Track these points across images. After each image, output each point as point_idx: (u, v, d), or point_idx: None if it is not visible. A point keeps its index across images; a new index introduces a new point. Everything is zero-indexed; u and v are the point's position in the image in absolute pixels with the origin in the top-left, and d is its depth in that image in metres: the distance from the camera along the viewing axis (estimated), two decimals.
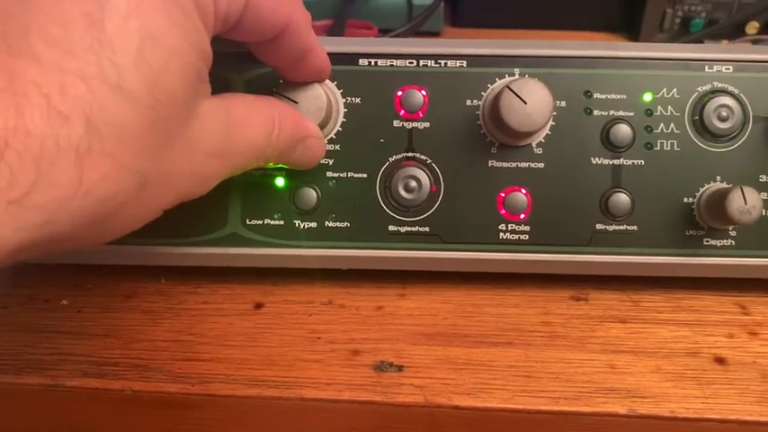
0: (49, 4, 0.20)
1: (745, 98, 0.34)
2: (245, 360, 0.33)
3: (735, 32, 0.57)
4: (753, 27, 0.57)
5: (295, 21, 0.28)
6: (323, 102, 0.32)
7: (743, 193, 0.31)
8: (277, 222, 0.35)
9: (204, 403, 0.32)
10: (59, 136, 0.19)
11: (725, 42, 0.57)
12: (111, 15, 0.21)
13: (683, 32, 0.58)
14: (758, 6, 0.56)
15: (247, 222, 0.35)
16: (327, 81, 0.34)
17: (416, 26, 0.55)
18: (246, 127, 0.28)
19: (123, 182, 0.22)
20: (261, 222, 0.35)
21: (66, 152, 0.20)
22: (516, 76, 0.34)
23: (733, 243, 0.34)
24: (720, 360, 0.33)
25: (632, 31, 0.61)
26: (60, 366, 0.33)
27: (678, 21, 0.58)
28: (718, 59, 0.34)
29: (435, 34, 0.62)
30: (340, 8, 0.58)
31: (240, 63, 0.34)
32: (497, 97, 0.32)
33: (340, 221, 0.35)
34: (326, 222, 0.35)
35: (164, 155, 0.23)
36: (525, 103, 0.31)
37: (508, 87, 0.32)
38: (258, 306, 0.36)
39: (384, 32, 0.57)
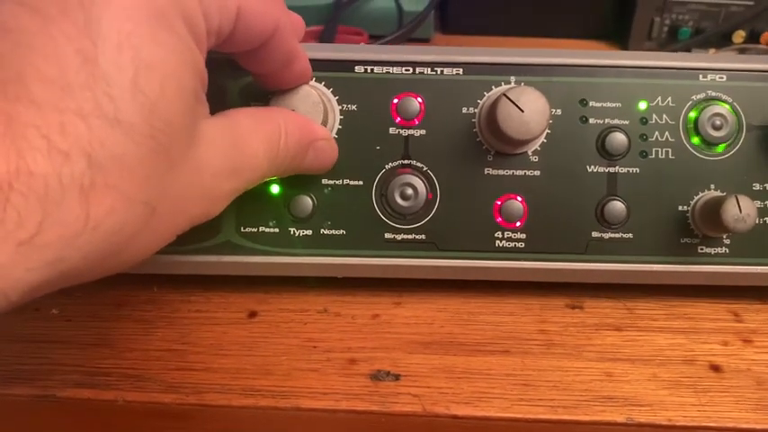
0: (42, 44, 0.20)
1: (738, 107, 0.34)
2: (240, 369, 0.33)
3: (721, 41, 0.58)
4: (739, 36, 0.57)
5: (282, 25, 0.28)
6: (315, 97, 0.32)
7: (738, 202, 0.31)
8: (272, 230, 0.35)
9: (199, 414, 0.32)
10: (62, 174, 0.19)
11: (712, 51, 0.58)
12: (103, 49, 0.20)
13: (671, 41, 0.59)
14: (744, 16, 0.57)
15: (242, 230, 0.35)
16: (323, 87, 0.34)
17: (407, 33, 0.55)
18: (253, 140, 0.28)
19: (130, 213, 0.22)
20: (255, 230, 0.35)
21: (71, 189, 0.20)
22: (513, 85, 0.34)
23: (727, 251, 0.34)
24: (715, 368, 0.33)
25: (620, 39, 0.61)
26: (51, 376, 0.32)
27: (666, 29, 0.59)
28: (712, 68, 0.35)
29: (425, 41, 0.62)
30: (331, 14, 0.58)
31: (235, 69, 0.33)
32: (494, 105, 0.32)
33: (336, 229, 0.35)
34: (322, 230, 0.35)
35: (170, 181, 0.23)
36: (522, 111, 0.31)
37: (505, 95, 0.32)
38: (252, 314, 0.36)
39: (374, 39, 0.57)
